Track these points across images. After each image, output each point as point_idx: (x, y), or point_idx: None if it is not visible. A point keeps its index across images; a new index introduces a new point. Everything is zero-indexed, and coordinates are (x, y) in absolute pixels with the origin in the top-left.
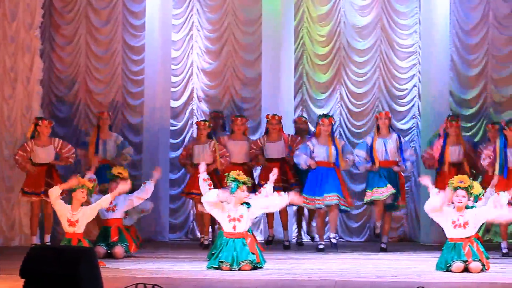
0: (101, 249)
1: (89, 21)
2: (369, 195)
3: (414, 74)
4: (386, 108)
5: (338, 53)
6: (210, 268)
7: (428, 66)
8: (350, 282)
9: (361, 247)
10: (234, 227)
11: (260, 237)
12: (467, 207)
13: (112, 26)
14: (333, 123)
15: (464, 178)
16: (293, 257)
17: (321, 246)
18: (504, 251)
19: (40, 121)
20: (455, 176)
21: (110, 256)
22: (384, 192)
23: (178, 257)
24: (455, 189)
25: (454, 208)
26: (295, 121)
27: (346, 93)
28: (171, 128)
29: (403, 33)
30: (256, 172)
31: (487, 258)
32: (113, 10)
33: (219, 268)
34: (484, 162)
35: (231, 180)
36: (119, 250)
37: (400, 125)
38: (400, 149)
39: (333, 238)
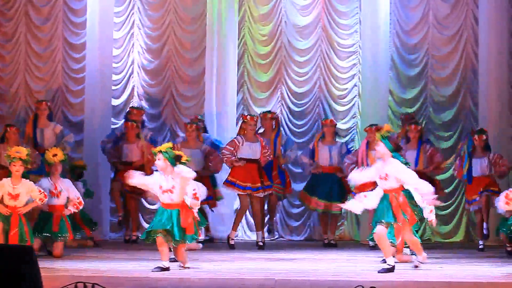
0: (37, 240)
1: (29, 18)
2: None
3: (354, 74)
4: (326, 108)
5: (279, 53)
6: (144, 239)
7: (369, 66)
8: (290, 281)
9: (301, 246)
10: (169, 198)
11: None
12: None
13: (52, 23)
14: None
15: (391, 129)
16: (235, 256)
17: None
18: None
19: (8, 128)
20: (383, 127)
21: (45, 248)
22: (321, 206)
23: (119, 256)
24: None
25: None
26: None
27: (287, 93)
28: (112, 126)
29: (344, 33)
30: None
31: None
32: (53, 8)
33: (153, 238)
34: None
35: (155, 154)
36: (58, 251)
37: (340, 124)
38: (345, 155)
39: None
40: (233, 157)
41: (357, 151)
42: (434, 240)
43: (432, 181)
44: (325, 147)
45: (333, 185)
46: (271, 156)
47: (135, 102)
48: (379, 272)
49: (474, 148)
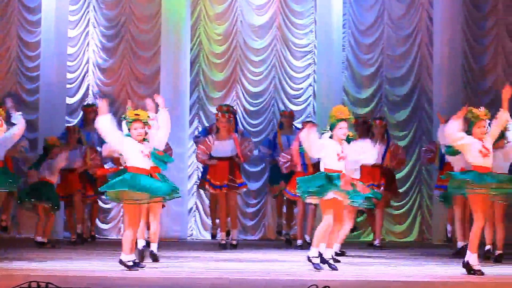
0: None
1: None
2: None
3: (309, 74)
4: (281, 107)
5: (235, 52)
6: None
7: (324, 66)
8: (244, 280)
9: (256, 245)
10: (144, 163)
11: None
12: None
13: (6, 21)
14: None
15: (343, 109)
16: (190, 255)
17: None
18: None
19: None
20: (333, 108)
21: None
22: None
23: (74, 256)
24: (337, 121)
25: (337, 141)
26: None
27: (242, 92)
28: (67, 125)
29: (299, 32)
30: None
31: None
32: (7, 6)
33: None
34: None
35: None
36: None
37: (295, 124)
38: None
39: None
40: (205, 156)
41: (290, 149)
42: (388, 240)
43: (393, 179)
44: (284, 136)
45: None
46: (252, 150)
47: (89, 101)
48: None
49: (373, 134)
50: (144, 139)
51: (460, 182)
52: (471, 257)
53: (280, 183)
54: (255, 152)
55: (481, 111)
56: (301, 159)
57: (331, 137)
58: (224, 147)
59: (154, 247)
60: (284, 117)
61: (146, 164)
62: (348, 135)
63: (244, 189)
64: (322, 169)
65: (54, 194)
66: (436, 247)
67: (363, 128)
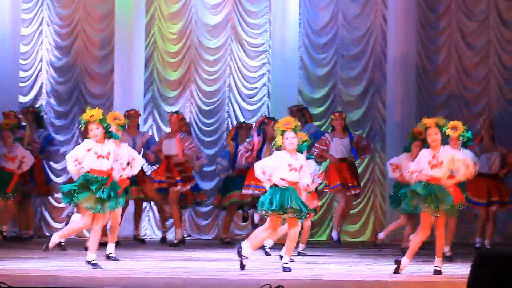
0: None
1: None
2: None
3: (264, 73)
4: (236, 107)
5: (189, 51)
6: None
7: (278, 65)
8: (198, 279)
9: (210, 245)
10: (101, 165)
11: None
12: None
13: None
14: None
15: (289, 120)
16: (143, 254)
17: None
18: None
19: None
20: (279, 121)
21: None
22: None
23: (25, 255)
24: (283, 132)
25: (286, 151)
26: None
27: (196, 91)
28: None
29: (254, 32)
30: None
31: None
32: None
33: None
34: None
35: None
36: None
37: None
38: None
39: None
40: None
41: (252, 140)
42: (342, 239)
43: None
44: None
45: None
46: (195, 150)
47: (43, 100)
48: None
49: (333, 128)
50: (110, 136)
51: (415, 203)
52: (404, 260)
53: (231, 192)
54: (211, 167)
55: (431, 120)
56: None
57: (278, 148)
58: (169, 145)
59: (111, 247)
60: (240, 129)
61: (103, 165)
62: (304, 141)
63: (179, 187)
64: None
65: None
66: (389, 246)
67: (298, 116)
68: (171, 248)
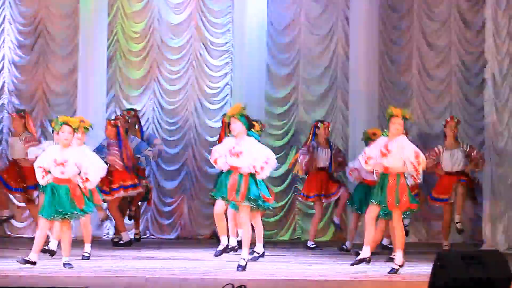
0: None
1: None
2: None
3: (226, 73)
4: (198, 106)
5: (152, 50)
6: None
7: (240, 65)
8: (160, 278)
9: (172, 244)
10: (61, 172)
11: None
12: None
13: None
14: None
15: (233, 107)
16: (105, 253)
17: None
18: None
19: None
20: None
21: None
22: None
23: None
24: (228, 118)
25: (233, 137)
26: None
27: (159, 90)
28: None
29: (217, 31)
30: None
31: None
32: None
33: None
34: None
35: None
36: None
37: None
38: None
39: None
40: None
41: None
42: (303, 239)
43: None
44: None
45: None
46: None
47: (5, 98)
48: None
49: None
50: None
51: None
52: (365, 250)
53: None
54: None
55: (398, 109)
56: None
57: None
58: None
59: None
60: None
61: (63, 173)
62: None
63: (140, 190)
64: None
65: None
66: (352, 246)
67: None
68: (133, 247)
